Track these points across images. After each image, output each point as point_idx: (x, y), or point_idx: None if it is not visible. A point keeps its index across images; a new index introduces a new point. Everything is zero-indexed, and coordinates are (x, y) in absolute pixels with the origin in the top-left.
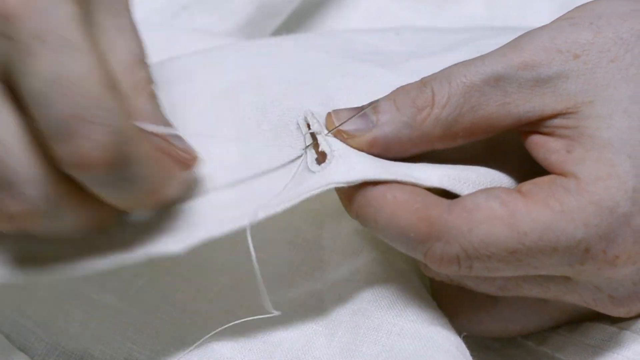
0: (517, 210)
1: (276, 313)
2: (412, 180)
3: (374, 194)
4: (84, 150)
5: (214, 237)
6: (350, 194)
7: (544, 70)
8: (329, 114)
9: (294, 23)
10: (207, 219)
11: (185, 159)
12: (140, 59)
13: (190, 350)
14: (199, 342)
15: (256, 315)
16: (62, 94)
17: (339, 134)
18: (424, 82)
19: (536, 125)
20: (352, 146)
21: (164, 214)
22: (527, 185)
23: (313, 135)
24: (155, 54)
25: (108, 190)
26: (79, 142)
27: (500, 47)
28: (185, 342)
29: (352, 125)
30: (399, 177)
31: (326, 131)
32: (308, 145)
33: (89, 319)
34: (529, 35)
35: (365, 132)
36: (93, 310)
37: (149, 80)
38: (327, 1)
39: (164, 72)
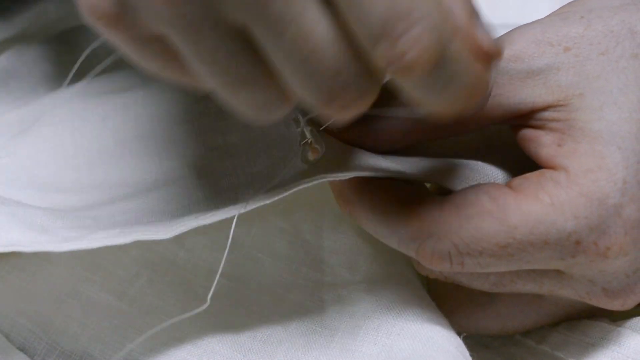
0: (506, 204)
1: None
2: (405, 177)
3: (366, 191)
4: (406, 51)
5: (202, 224)
6: (343, 191)
7: (535, 63)
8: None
9: None
10: (196, 208)
11: (489, 52)
12: None
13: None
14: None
15: (259, 318)
16: None
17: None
18: None
19: (527, 118)
20: (344, 141)
21: (154, 201)
22: (517, 180)
23: (304, 134)
24: None
25: (424, 93)
26: (401, 43)
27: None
28: (185, 341)
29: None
30: (392, 174)
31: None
32: (302, 143)
33: (88, 319)
34: (520, 29)
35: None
36: (92, 310)
37: None
38: None
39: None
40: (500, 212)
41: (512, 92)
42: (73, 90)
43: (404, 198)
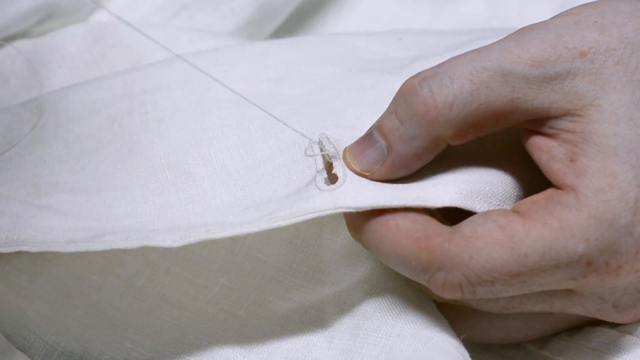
0: (515, 232)
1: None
2: (422, 203)
3: (377, 221)
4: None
5: (212, 238)
6: (355, 219)
7: (552, 67)
8: (344, 154)
9: (293, 23)
10: (206, 220)
11: None
12: None
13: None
14: None
15: (259, 318)
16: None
17: (361, 175)
18: (420, 81)
19: (541, 124)
20: (377, 180)
21: (164, 213)
22: (525, 204)
23: (325, 158)
24: (155, 54)
25: None
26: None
27: (505, 41)
28: (185, 342)
29: (367, 160)
30: (409, 202)
31: (340, 157)
32: (320, 170)
33: (88, 319)
34: (534, 30)
35: (382, 162)
36: (92, 310)
37: None
38: (326, 2)
39: (164, 73)
40: (510, 241)
41: (529, 96)
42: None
43: (414, 229)
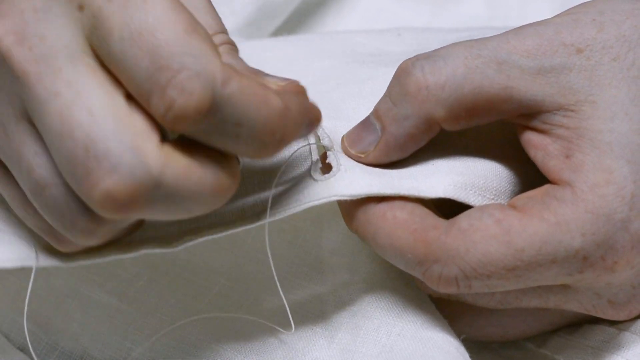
0: (512, 227)
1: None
2: (416, 193)
3: (375, 212)
4: (176, 101)
5: (210, 238)
6: (351, 209)
7: (547, 60)
8: (342, 140)
9: (294, 23)
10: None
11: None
12: (220, 30)
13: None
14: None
15: (259, 318)
16: (139, 48)
17: (356, 158)
18: (413, 62)
19: (534, 118)
20: (372, 163)
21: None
22: (521, 199)
23: (320, 149)
24: None
25: (220, 140)
26: (169, 94)
27: (503, 34)
28: (185, 342)
29: (363, 143)
30: (403, 191)
31: (337, 148)
32: (315, 161)
33: (88, 319)
34: (533, 26)
35: (376, 143)
36: (92, 310)
37: (231, 44)
38: (326, 2)
39: None
40: (506, 235)
41: (523, 86)
42: None
43: (411, 221)
